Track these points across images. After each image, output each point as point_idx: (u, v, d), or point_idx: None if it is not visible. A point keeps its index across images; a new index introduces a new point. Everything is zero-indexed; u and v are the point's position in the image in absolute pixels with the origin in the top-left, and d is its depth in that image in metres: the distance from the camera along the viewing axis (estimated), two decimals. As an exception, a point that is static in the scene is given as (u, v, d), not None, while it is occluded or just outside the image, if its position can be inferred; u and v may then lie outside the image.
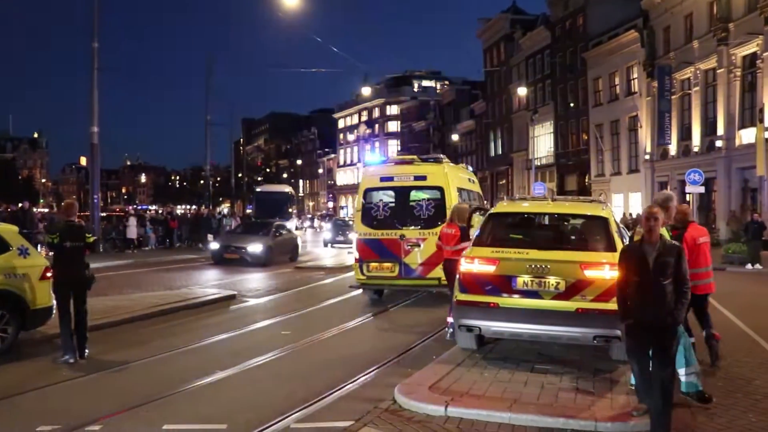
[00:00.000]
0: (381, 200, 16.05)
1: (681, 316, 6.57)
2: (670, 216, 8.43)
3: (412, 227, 15.39)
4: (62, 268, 10.09)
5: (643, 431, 6.83)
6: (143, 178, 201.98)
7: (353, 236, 17.75)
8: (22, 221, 24.30)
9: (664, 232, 8.51)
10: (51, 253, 10.53)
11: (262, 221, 40.89)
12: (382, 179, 16.25)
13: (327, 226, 52.36)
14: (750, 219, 26.19)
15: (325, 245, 40.89)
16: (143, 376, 9.15)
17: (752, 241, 24.81)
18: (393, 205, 15.83)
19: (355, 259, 15.82)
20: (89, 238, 10.32)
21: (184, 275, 22.66)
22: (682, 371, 8.00)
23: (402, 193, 15.84)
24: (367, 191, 16.24)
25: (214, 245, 27.78)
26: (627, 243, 7.48)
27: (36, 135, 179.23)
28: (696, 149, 40.32)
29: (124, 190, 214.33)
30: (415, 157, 17.28)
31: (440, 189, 15.43)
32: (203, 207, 49.78)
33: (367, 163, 18.64)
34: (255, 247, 25.99)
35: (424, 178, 15.73)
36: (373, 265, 15.46)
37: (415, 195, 15.83)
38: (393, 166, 16.81)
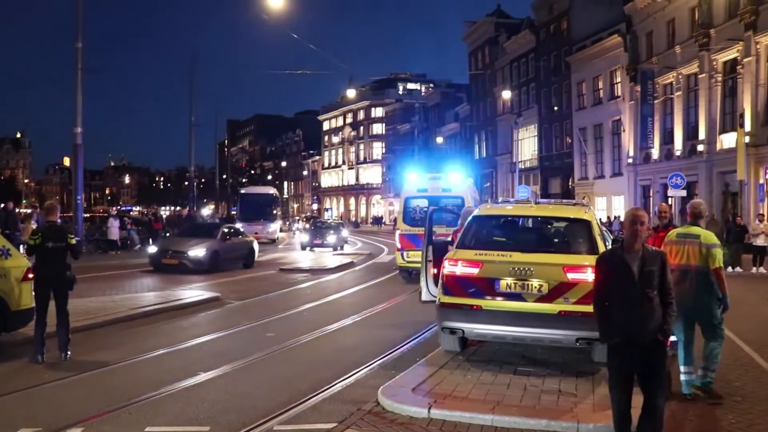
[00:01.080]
0: (418, 205, 21.08)
1: (671, 331, 6.06)
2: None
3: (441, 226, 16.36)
4: (43, 268, 10.07)
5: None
6: (127, 179, 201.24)
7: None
8: (5, 222, 24.15)
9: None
10: (28, 256, 10.50)
11: (211, 223, 39.23)
12: (419, 190, 21.59)
13: (305, 227, 51.15)
14: (732, 222, 26.38)
15: (303, 248, 39.19)
16: (126, 378, 9.12)
17: (733, 245, 25.01)
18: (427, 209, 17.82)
19: (397, 249, 21.67)
20: (71, 239, 10.29)
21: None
22: (683, 369, 8.15)
23: (433, 200, 20.03)
24: (407, 199, 21.65)
25: (152, 249, 25.11)
26: (605, 250, 6.67)
27: (19, 135, 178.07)
28: (678, 153, 40.63)
29: (108, 191, 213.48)
30: (440, 175, 22.58)
31: (462, 198, 20.45)
32: (186, 208, 49.57)
33: (407, 179, 22.78)
34: (196, 252, 23.26)
35: (449, 189, 21.18)
36: (411, 253, 20.03)
37: (443, 202, 20.06)
38: (427, 180, 22.00)
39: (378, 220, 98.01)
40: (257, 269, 25.84)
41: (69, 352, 10.03)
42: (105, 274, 21.55)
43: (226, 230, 26.47)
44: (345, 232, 46.25)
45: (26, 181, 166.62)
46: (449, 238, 11.31)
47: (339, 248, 39.72)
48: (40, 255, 10.11)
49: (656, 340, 5.75)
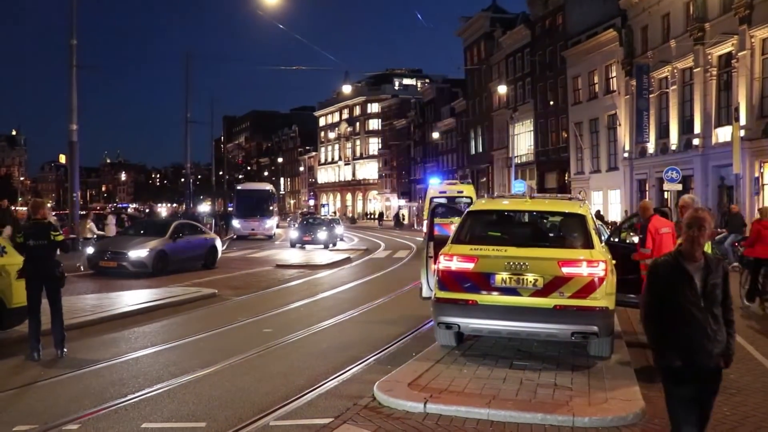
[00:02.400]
0: (439, 203, 26.32)
1: (733, 356, 5.08)
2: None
3: (457, 218, 22.65)
4: (30, 266, 10.07)
5: (619, 425, 6.93)
6: (123, 176, 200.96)
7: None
8: (1, 220, 24.11)
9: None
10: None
11: (163, 220, 34.53)
12: (440, 192, 30.94)
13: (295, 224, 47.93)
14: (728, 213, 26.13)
15: (292, 246, 37.32)
16: (122, 375, 9.13)
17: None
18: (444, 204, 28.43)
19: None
20: (56, 236, 10.23)
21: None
22: None
23: (451, 200, 28.85)
24: (432, 198, 28.49)
25: (89, 250, 22.14)
26: (662, 257, 5.27)
27: (14, 132, 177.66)
28: (674, 147, 40.64)
29: (104, 188, 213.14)
30: (457, 180, 34.69)
31: (471, 198, 28.43)
32: (182, 205, 49.49)
33: (430, 183, 32.76)
34: (138, 252, 20.92)
35: (462, 192, 30.76)
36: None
37: (458, 201, 28.72)
38: (445, 185, 33.15)
39: (380, 216, 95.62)
40: (253, 266, 25.84)
41: (65, 349, 10.04)
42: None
43: (179, 227, 23.73)
44: (339, 229, 44.74)
45: (22, 178, 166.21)
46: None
47: (331, 245, 38.21)
48: (26, 254, 10.11)
49: (718, 367, 4.95)
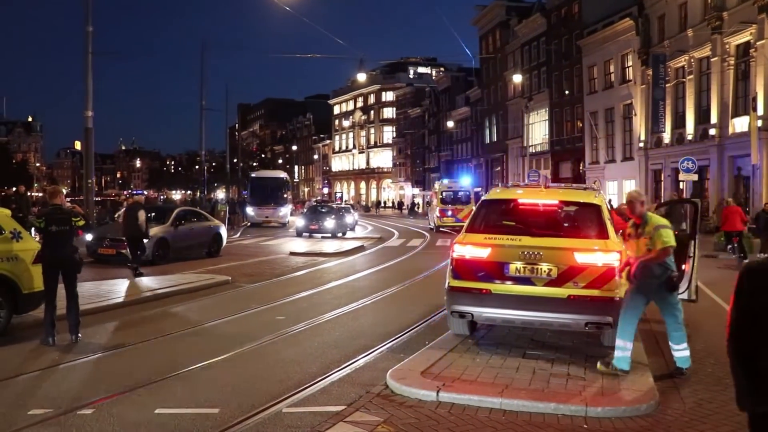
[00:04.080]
0: (445, 195, 41.75)
1: None
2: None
3: (458, 205, 40.19)
4: (49, 251, 10.12)
5: (633, 415, 6.91)
6: (138, 163, 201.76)
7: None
8: (18, 205, 24.29)
9: (657, 219, 8.58)
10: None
11: (167, 206, 32.85)
12: (448, 187, 43.41)
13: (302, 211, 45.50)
14: (762, 210, 25.19)
15: (298, 234, 35.17)
16: (136, 360, 9.18)
17: (765, 232, 23.60)
18: (452, 197, 41.69)
19: (437, 216, 40.70)
20: (78, 222, 10.30)
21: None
22: (683, 346, 8.25)
23: (455, 192, 42.20)
24: (442, 191, 41.96)
25: (88, 238, 21.25)
26: (754, 260, 4.10)
27: (30, 119, 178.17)
28: (690, 137, 40.38)
29: (118, 175, 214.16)
30: (458, 178, 52.38)
31: (469, 190, 42.49)
32: (197, 192, 49.59)
33: (442, 182, 46.29)
34: None
35: (462, 186, 44.61)
36: (445, 218, 40.12)
37: (460, 193, 42.10)
38: (450, 181, 47.41)
39: (400, 205, 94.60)
40: (267, 253, 25.88)
41: (79, 335, 10.10)
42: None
43: (181, 214, 23.30)
44: (350, 217, 42.54)
45: (38, 164, 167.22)
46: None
47: (342, 234, 36.45)
48: (45, 239, 10.18)
49: None
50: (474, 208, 11.99)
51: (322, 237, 34.27)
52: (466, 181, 47.77)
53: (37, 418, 6.71)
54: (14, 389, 7.83)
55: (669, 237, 8.16)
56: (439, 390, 7.37)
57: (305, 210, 40.97)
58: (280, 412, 7.01)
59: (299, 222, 36.84)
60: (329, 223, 35.64)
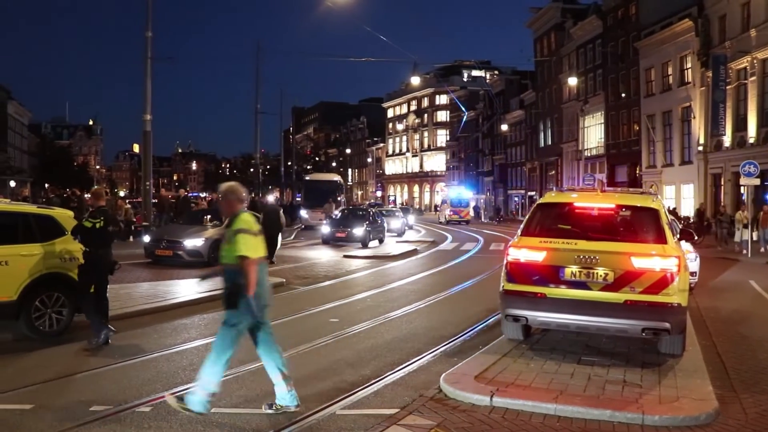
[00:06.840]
0: (452, 200, 65.64)
1: None
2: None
3: (463, 208, 63.47)
4: (87, 252, 10.37)
5: (691, 425, 6.77)
6: (194, 166, 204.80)
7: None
8: (78, 207, 24.87)
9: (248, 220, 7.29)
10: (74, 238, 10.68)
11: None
12: (456, 194, 67.83)
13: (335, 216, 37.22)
14: None
15: (324, 242, 31.04)
16: (192, 360, 9.29)
17: None
18: (457, 202, 64.83)
19: (447, 215, 63.01)
20: (96, 223, 10.32)
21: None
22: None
23: (459, 197, 66.12)
24: (450, 198, 66.53)
25: (146, 239, 22.19)
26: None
27: (91, 122, 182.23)
28: (752, 140, 39.44)
29: (175, 177, 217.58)
30: (462, 188, 75.10)
31: (468, 199, 68.06)
32: (252, 195, 50.13)
33: (450, 187, 66.23)
34: (194, 242, 20.42)
35: (464, 194, 68.57)
36: (454, 216, 62.16)
37: (464, 200, 65.99)
38: (455, 188, 75.65)
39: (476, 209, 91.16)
40: (321, 255, 26.02)
41: (103, 337, 10.02)
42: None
43: None
44: (397, 222, 40.26)
45: (98, 167, 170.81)
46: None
47: (379, 242, 32.33)
48: (84, 239, 10.38)
49: None
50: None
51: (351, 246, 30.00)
52: (467, 194, 71.14)
53: (98, 414, 6.86)
54: (75, 386, 8.02)
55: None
56: (492, 395, 7.33)
57: (337, 214, 36.09)
58: (334, 414, 7.05)
59: (324, 228, 32.19)
60: (358, 230, 30.62)
